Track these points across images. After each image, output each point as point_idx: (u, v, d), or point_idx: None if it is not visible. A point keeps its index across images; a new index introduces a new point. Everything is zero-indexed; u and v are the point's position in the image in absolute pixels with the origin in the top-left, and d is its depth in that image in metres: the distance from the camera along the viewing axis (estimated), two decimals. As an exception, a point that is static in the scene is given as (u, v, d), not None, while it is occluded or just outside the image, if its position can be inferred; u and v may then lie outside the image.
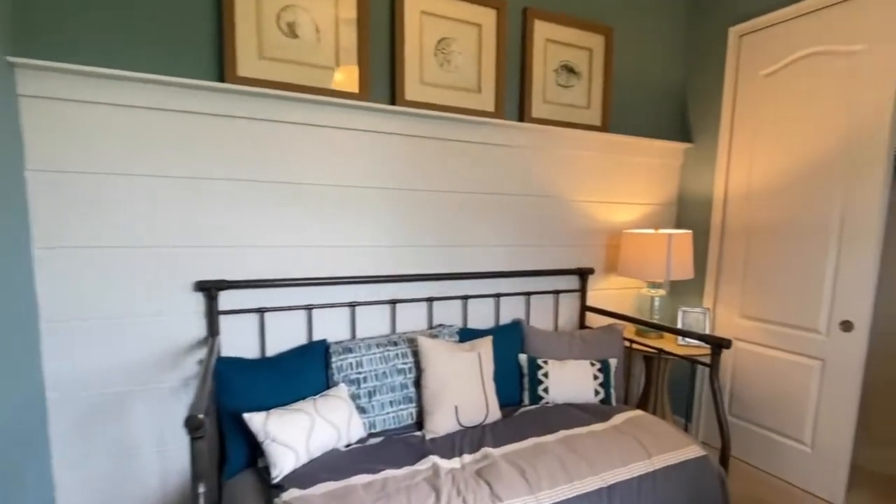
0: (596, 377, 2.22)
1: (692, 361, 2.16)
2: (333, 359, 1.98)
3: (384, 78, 2.19)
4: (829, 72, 2.25)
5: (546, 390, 2.20)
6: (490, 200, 2.44)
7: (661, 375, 2.49)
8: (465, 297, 2.39)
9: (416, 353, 2.10)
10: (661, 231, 2.49)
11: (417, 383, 2.07)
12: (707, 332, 2.53)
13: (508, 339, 2.33)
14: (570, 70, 2.63)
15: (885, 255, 2.13)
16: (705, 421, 2.80)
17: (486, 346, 2.16)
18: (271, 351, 2.05)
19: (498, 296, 2.47)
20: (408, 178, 2.25)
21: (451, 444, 1.84)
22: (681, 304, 2.82)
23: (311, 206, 2.07)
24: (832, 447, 2.23)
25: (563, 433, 1.90)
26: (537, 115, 2.53)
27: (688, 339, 2.44)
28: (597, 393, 2.20)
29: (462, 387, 1.99)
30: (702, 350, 2.39)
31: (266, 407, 1.78)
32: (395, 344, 2.10)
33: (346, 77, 2.08)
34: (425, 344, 2.03)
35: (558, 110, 2.60)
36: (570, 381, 2.21)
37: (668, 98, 2.93)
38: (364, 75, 2.10)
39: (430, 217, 2.31)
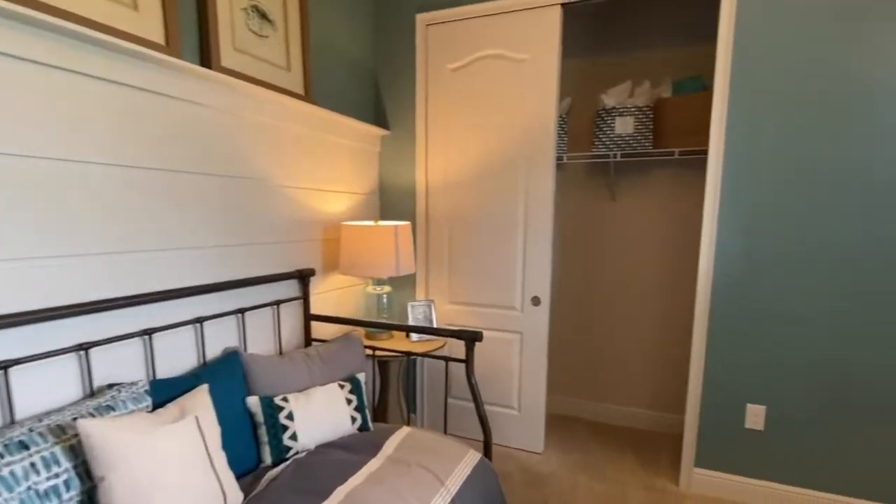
0: (350, 401, 1.83)
1: (446, 360, 2.04)
2: None
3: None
4: (505, 75, 2.50)
5: (294, 437, 1.65)
6: (176, 182, 1.64)
7: (398, 378, 2.30)
8: (149, 332, 1.53)
9: (75, 452, 1.18)
10: (385, 223, 2.28)
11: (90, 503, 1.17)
12: (434, 323, 2.50)
13: (226, 380, 1.64)
14: (262, 15, 2.06)
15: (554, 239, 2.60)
16: (429, 408, 2.83)
17: (202, 402, 1.43)
18: None
19: (200, 321, 1.70)
20: (16, 136, 1.23)
21: (185, 588, 1.10)
22: (399, 298, 2.71)
23: None
24: (533, 405, 2.58)
25: (340, 491, 1.43)
26: (229, 64, 1.87)
27: (420, 335, 2.34)
28: (354, 420, 1.81)
29: (180, 481, 1.23)
30: (431, 344, 2.34)
31: None
32: (26, 446, 1.12)
33: None
34: (94, 430, 1.15)
35: (255, 65, 2.00)
36: (323, 415, 1.73)
37: (362, 77, 2.72)
38: None
39: (68, 206, 1.35)
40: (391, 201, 2.84)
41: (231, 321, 1.85)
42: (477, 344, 2.66)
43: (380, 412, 2.39)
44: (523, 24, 2.43)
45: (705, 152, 2.55)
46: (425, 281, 2.76)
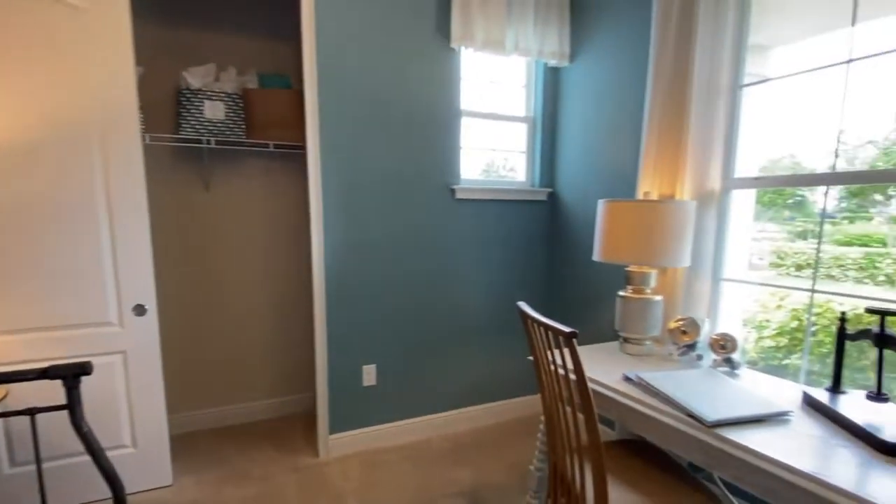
0: None
1: (32, 413, 1.37)
2: None
3: None
4: (59, 21, 1.89)
5: None
6: None
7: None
8: None
9: None
10: None
11: None
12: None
13: None
14: None
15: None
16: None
17: None
18: None
19: None
20: None
21: None
22: None
23: None
24: (152, 435, 2.12)
25: None
26: None
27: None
28: None
29: None
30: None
31: None
32: None
33: None
34: None
35: None
36: None
37: None
38: None
39: None
40: None
41: None
42: (47, 382, 1.94)
43: None
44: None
45: (300, 147, 2.75)
46: (-66, 313, 1.77)
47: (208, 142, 2.60)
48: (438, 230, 2.68)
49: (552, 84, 2.91)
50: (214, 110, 2.60)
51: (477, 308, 2.85)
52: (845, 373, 1.70)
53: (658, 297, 1.96)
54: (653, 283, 1.98)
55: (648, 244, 1.83)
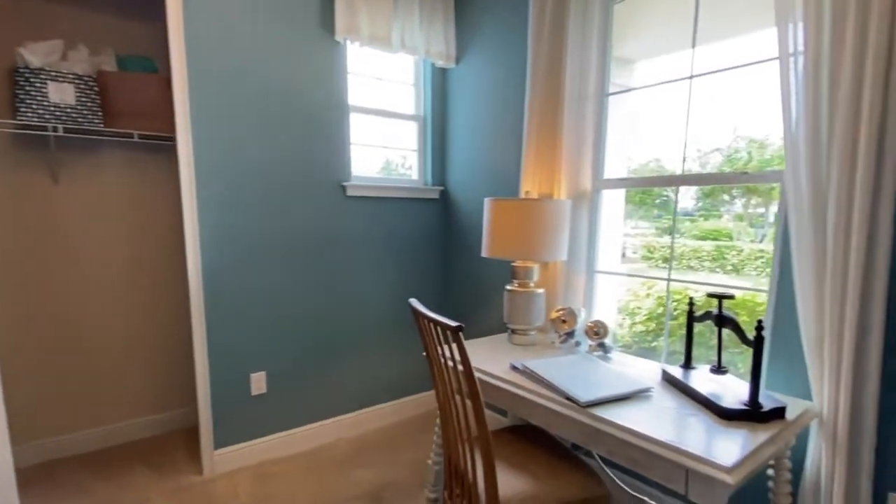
0: None
1: None
2: None
3: None
4: None
5: None
6: None
7: None
8: None
9: None
10: None
11: None
12: None
13: None
14: None
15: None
16: None
17: None
18: None
19: None
20: None
21: None
22: None
23: None
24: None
25: None
26: None
27: None
28: None
29: None
30: None
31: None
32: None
33: None
34: None
35: None
36: None
37: None
38: None
39: None
40: None
41: None
42: None
43: None
44: None
45: (170, 138, 2.50)
46: None
47: (55, 129, 2.26)
48: (329, 228, 2.60)
49: (440, 83, 2.96)
50: (62, 93, 2.27)
51: (372, 307, 2.81)
52: (701, 350, 1.93)
53: (541, 290, 2.08)
54: (536, 276, 2.10)
55: (530, 240, 1.93)
